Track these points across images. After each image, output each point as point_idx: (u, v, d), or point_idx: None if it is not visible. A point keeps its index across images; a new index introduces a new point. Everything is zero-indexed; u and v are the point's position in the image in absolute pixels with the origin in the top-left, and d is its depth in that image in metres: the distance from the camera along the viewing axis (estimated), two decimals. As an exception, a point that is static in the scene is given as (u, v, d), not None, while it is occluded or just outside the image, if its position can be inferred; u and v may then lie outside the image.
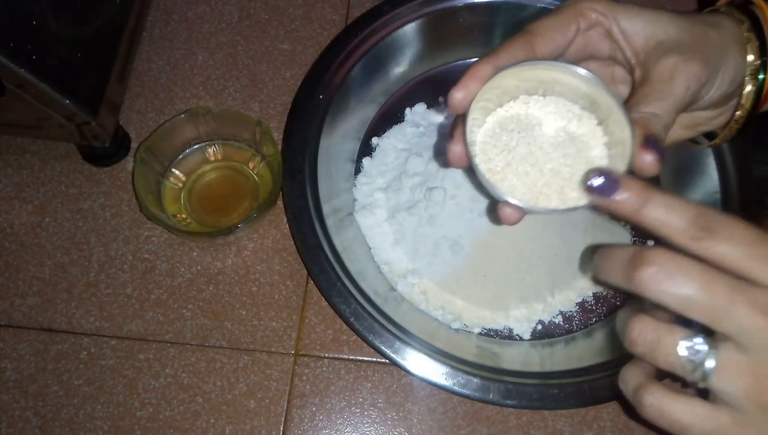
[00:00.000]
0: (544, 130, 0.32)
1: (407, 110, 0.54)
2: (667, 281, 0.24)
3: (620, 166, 0.30)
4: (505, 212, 0.32)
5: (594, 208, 0.28)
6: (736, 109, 0.36)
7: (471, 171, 0.32)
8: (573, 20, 0.34)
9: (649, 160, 0.30)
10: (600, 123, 0.32)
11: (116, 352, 0.46)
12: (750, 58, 0.34)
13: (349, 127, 0.52)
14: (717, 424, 0.25)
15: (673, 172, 0.51)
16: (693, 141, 0.41)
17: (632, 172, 0.30)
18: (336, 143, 0.50)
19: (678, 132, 0.38)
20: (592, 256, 0.28)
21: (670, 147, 0.36)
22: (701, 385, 0.25)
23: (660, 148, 0.30)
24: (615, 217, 0.28)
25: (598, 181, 0.27)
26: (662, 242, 0.26)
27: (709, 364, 0.24)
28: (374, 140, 0.52)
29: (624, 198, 0.26)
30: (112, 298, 0.48)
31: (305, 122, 0.49)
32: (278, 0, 0.58)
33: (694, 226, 0.25)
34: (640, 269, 0.24)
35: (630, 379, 0.28)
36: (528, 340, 0.46)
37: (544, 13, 0.52)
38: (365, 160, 0.51)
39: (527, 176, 0.31)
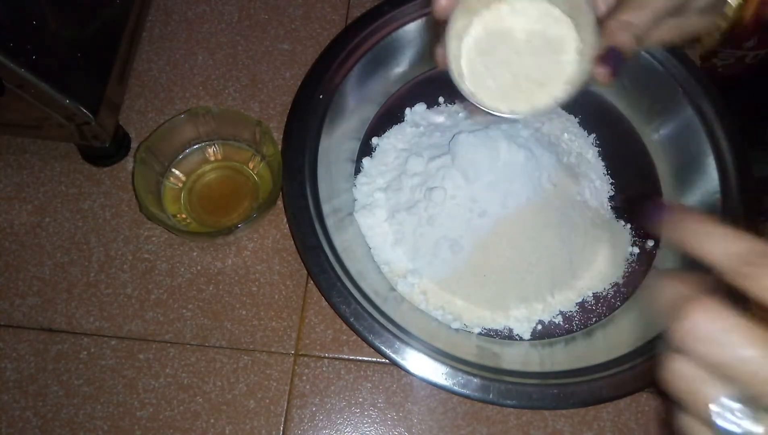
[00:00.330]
0: (522, 35, 0.34)
1: (407, 110, 0.54)
2: (703, 341, 0.21)
3: (582, 73, 0.32)
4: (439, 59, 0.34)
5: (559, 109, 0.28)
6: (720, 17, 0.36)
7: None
8: None
9: (600, 72, 0.32)
10: (576, 27, 0.33)
11: (116, 352, 0.46)
12: None
13: (349, 127, 0.52)
14: None
15: (674, 172, 0.51)
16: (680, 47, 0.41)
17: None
18: (336, 143, 0.50)
19: (663, 33, 0.38)
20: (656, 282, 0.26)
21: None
22: None
23: (618, 60, 0.31)
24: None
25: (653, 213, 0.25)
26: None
27: (754, 428, 0.20)
28: (374, 140, 0.52)
29: (677, 225, 0.24)
30: (112, 298, 0.48)
31: (305, 122, 0.49)
32: (278, 0, 0.58)
33: (748, 256, 0.21)
34: (677, 321, 0.22)
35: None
36: (528, 340, 0.46)
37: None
38: (365, 160, 0.51)
39: (502, 79, 0.33)
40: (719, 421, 0.21)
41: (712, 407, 0.21)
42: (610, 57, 0.31)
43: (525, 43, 0.34)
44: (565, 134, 0.52)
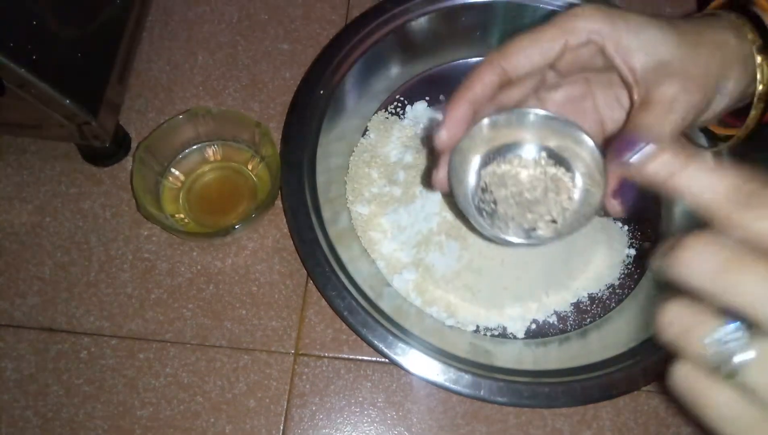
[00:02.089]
0: (521, 178, 0.36)
1: (408, 108, 0.54)
2: (701, 264, 0.20)
3: (595, 200, 0.33)
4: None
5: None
6: (741, 127, 0.36)
7: (450, 195, 0.36)
8: (559, 38, 0.33)
9: (614, 206, 0.32)
10: (570, 166, 0.36)
11: (116, 351, 0.46)
12: (760, 88, 0.33)
13: (349, 124, 0.52)
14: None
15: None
16: (690, 140, 0.41)
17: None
18: (335, 139, 0.50)
19: None
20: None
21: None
22: (731, 379, 0.21)
23: (631, 191, 0.31)
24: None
25: (631, 143, 0.23)
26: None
27: (746, 355, 0.20)
28: (373, 136, 0.53)
29: (662, 159, 0.23)
30: (113, 297, 0.48)
31: (305, 117, 0.49)
32: (278, 0, 0.58)
33: (741, 191, 0.21)
34: (676, 253, 0.21)
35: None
36: (522, 338, 0.46)
37: (544, 13, 0.53)
38: (364, 156, 0.52)
39: (509, 209, 0.36)
40: (713, 353, 0.21)
41: (707, 340, 0.21)
42: (623, 189, 0.31)
43: (528, 184, 0.36)
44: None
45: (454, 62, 0.56)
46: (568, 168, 0.36)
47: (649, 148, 0.23)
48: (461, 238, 0.46)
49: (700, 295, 0.21)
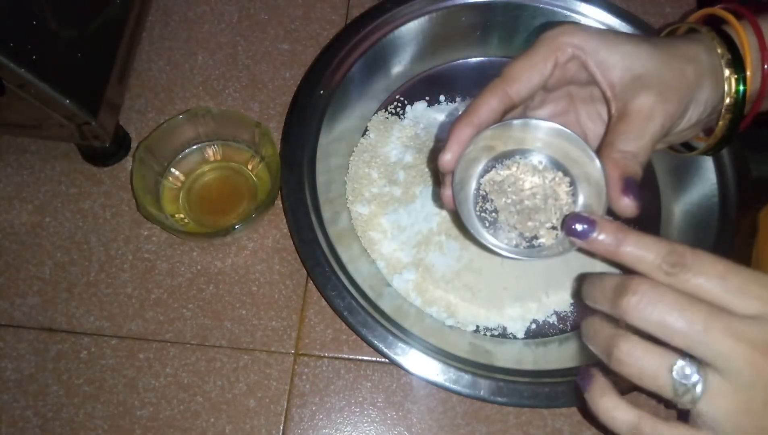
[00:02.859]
0: (520, 185, 0.37)
1: (408, 108, 0.54)
2: (649, 308, 0.26)
3: (597, 211, 0.33)
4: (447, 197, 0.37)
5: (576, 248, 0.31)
6: (709, 129, 0.38)
7: (456, 214, 0.37)
8: (550, 56, 0.35)
9: (627, 203, 0.33)
10: (567, 171, 0.36)
11: (116, 351, 0.46)
12: (728, 100, 0.35)
13: (349, 124, 0.52)
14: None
15: (671, 174, 0.52)
16: (672, 148, 0.43)
17: (612, 214, 0.33)
18: (335, 139, 0.51)
19: (658, 147, 0.40)
20: (582, 282, 0.30)
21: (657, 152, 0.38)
22: (688, 407, 0.26)
23: (637, 189, 0.33)
24: (594, 255, 0.30)
25: (577, 226, 0.29)
26: None
27: (699, 388, 0.26)
28: (373, 136, 0.53)
29: (602, 239, 0.28)
30: (112, 297, 0.48)
31: (305, 117, 0.49)
32: (278, 0, 0.58)
33: (666, 261, 0.27)
34: (624, 297, 0.27)
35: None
36: (522, 338, 0.47)
37: (541, 15, 0.53)
38: (364, 156, 0.52)
39: (510, 219, 0.36)
40: (678, 381, 0.26)
41: (675, 367, 0.26)
42: (629, 188, 0.32)
43: (527, 194, 0.36)
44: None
45: (454, 62, 0.56)
46: (566, 173, 0.36)
47: (591, 230, 0.29)
48: (461, 238, 0.46)
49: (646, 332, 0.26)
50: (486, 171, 0.37)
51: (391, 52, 0.53)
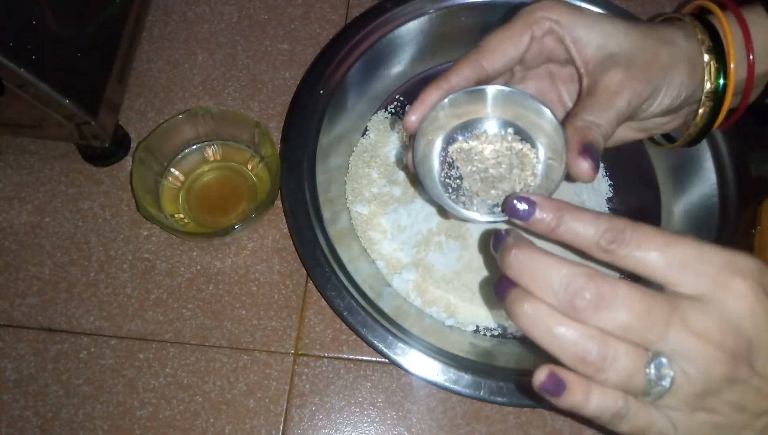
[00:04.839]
0: (486, 154, 0.37)
1: (408, 108, 0.53)
2: (603, 313, 0.25)
3: (556, 175, 0.34)
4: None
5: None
6: (689, 125, 0.38)
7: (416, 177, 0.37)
8: (526, 30, 0.35)
9: (585, 168, 0.32)
10: (534, 142, 0.36)
11: (116, 351, 0.46)
12: (708, 86, 0.35)
13: (349, 124, 0.52)
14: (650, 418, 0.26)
15: (671, 174, 0.52)
16: (653, 140, 0.43)
17: (570, 178, 0.33)
18: (335, 139, 0.51)
19: (629, 133, 0.40)
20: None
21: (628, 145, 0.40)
22: (654, 400, 0.26)
23: (596, 155, 0.32)
24: (536, 235, 0.29)
25: (517, 206, 0.28)
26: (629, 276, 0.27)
27: (667, 382, 0.25)
28: (372, 136, 0.53)
29: (541, 218, 0.27)
30: (112, 297, 0.48)
31: (305, 117, 0.49)
32: (278, 0, 0.58)
33: (604, 238, 0.26)
34: (574, 302, 0.25)
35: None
36: (522, 338, 0.46)
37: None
38: (364, 156, 0.52)
39: (475, 186, 0.37)
40: (654, 377, 0.25)
41: (648, 369, 0.25)
42: (587, 153, 0.32)
43: (491, 160, 0.37)
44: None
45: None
46: (533, 144, 0.36)
47: (532, 210, 0.28)
48: (461, 238, 0.46)
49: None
50: (454, 138, 0.37)
51: (391, 52, 0.53)
